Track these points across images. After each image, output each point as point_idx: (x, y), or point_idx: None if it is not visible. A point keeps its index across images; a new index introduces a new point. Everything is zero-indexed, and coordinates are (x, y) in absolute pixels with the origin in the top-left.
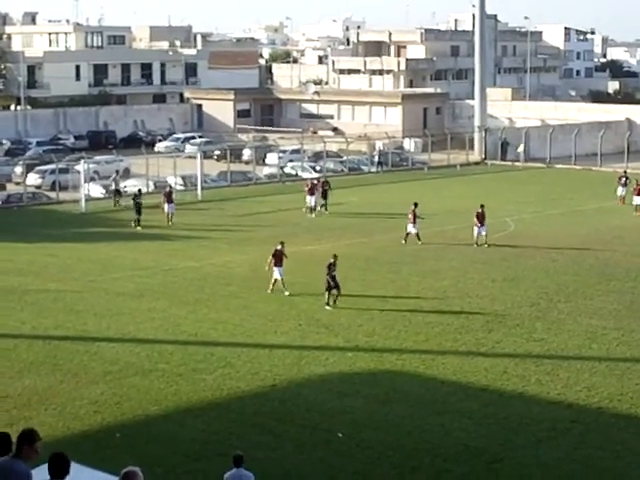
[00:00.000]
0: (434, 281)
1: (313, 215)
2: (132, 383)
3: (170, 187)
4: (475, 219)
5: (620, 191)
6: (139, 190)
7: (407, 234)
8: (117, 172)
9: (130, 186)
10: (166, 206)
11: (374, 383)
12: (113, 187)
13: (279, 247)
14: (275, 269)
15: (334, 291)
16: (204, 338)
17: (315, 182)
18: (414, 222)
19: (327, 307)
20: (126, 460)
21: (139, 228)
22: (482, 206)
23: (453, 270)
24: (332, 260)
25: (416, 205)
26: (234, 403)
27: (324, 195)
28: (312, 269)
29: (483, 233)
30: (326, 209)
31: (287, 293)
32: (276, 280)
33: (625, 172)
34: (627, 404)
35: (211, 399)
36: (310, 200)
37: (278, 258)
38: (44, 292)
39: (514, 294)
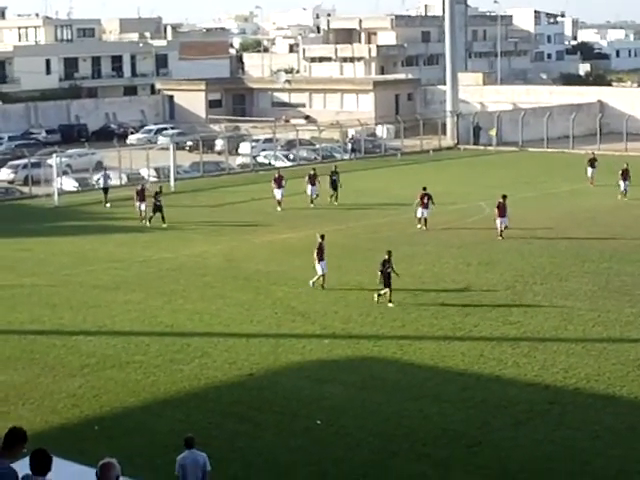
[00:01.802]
0: (409, 266)
1: (279, 209)
2: (109, 375)
3: (142, 185)
4: (496, 210)
5: (590, 172)
6: (160, 188)
7: (419, 219)
8: (105, 170)
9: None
10: (137, 204)
11: (351, 370)
12: (102, 185)
13: (320, 240)
14: (318, 264)
15: (386, 289)
16: (180, 329)
17: (281, 175)
18: (425, 206)
19: (390, 304)
20: (105, 452)
21: (148, 224)
22: (504, 197)
23: (428, 255)
24: (386, 256)
25: (425, 189)
26: (212, 393)
27: (333, 185)
28: (286, 257)
29: (504, 224)
30: (336, 200)
31: (311, 284)
32: (322, 275)
33: (593, 153)
34: (604, 384)
35: (189, 389)
36: (277, 193)
37: (320, 252)
38: (19, 287)
39: (489, 277)
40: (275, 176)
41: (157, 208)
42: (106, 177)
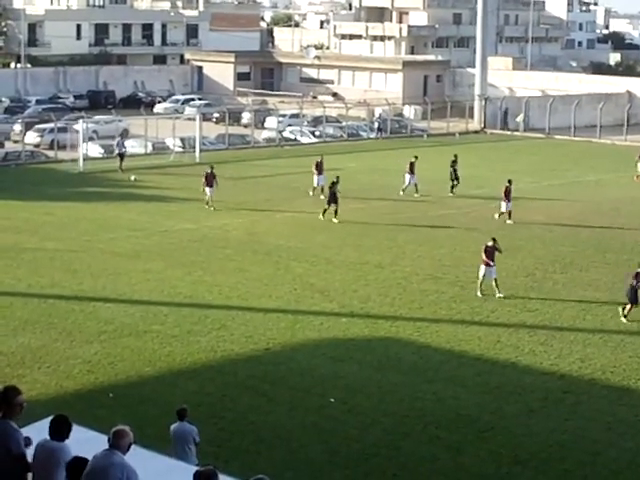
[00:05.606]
0: (430, 249)
1: (311, 193)
2: (126, 343)
3: (212, 168)
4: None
5: None
6: (337, 178)
7: (501, 213)
8: (121, 136)
9: (129, 147)
10: (207, 189)
11: (368, 349)
12: (117, 151)
13: (490, 243)
14: (483, 268)
15: (630, 305)
16: (199, 300)
17: (320, 160)
18: (508, 199)
19: (623, 319)
20: (119, 420)
21: (335, 220)
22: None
23: (450, 238)
24: (639, 270)
25: (510, 182)
26: (227, 366)
27: (455, 175)
28: (308, 234)
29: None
30: (451, 190)
31: (500, 295)
32: (495, 280)
33: None
34: (620, 376)
35: (205, 361)
36: (318, 180)
37: (490, 255)
38: (41, 250)
39: (510, 264)
40: (318, 160)
41: (333, 199)
42: (120, 144)
